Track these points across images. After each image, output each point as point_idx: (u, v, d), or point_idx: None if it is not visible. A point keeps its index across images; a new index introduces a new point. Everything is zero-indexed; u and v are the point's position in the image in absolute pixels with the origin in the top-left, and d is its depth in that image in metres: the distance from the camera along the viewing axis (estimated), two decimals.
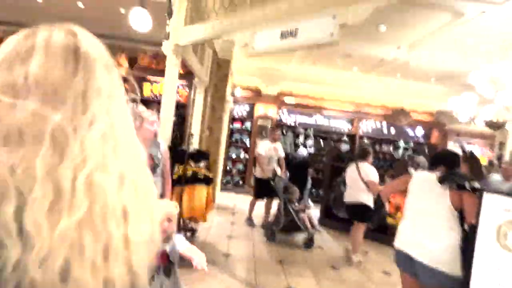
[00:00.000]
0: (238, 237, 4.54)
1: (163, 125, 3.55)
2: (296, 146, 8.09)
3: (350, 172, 4.20)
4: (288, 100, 8.20)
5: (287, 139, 8.04)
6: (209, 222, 4.90)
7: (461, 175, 2.03)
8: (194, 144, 5.53)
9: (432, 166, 2.23)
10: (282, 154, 5.21)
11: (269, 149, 5.01)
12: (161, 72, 4.45)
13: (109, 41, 4.70)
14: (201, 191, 3.26)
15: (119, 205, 0.40)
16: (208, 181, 3.36)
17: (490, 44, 4.76)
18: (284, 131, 8.12)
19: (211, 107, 6.21)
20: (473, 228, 1.49)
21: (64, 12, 5.46)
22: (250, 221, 5.20)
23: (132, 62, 6.11)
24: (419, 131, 8.51)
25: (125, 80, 5.38)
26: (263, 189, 4.95)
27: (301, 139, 8.28)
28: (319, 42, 2.20)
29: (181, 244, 1.66)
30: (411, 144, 8.32)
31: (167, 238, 1.63)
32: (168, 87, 3.57)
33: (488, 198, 1.43)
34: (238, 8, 2.87)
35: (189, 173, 3.26)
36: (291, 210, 4.47)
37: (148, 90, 6.28)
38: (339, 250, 4.56)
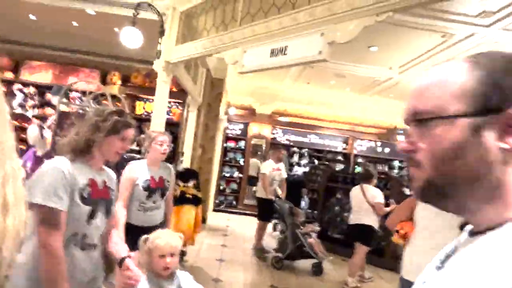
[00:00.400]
0: (229, 261, 4.34)
1: None
2: (291, 165, 8.01)
3: (355, 194, 4.07)
4: (282, 119, 8.20)
5: None
6: (199, 244, 4.71)
7: None
8: (185, 163, 5.44)
9: None
10: (285, 175, 5.04)
11: (273, 169, 4.83)
12: (154, 91, 4.44)
13: (103, 59, 4.70)
14: (189, 211, 3.13)
15: (2, 199, 0.47)
16: (197, 201, 3.24)
17: None
18: None
19: (204, 126, 6.16)
20: None
21: (58, 30, 5.49)
22: (260, 251, 4.76)
23: (125, 80, 6.09)
24: None
25: (114, 97, 5.34)
26: (270, 210, 4.72)
27: (295, 158, 8.22)
28: (307, 60, 2.18)
29: (188, 284, 1.46)
30: (406, 163, 8.28)
31: (171, 275, 1.43)
32: (158, 104, 3.53)
33: None
34: (229, 27, 2.88)
35: (177, 192, 3.14)
36: (299, 235, 4.17)
37: (141, 108, 6.23)
38: (335, 274, 4.38)
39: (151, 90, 5.89)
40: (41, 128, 2.99)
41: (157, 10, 3.47)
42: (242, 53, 2.64)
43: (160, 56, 3.47)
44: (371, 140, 8.42)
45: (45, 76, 5.95)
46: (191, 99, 5.66)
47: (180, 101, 6.18)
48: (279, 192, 4.83)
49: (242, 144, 8.15)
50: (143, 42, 3.70)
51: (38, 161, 3.09)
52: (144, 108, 6.13)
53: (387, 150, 8.45)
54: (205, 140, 6.19)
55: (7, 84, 6.01)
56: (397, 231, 2.12)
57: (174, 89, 6.10)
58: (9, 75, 6.01)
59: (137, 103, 6.19)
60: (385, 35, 4.32)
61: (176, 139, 6.10)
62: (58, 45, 5.99)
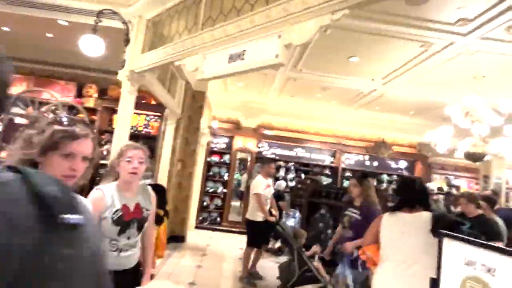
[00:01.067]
0: (202, 285, 4.02)
1: None
2: (277, 179, 7.77)
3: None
4: (267, 132, 8.02)
5: None
6: (172, 265, 4.41)
7: (458, 222, 1.75)
8: (162, 179, 5.19)
9: (407, 205, 1.91)
10: (272, 191, 4.66)
11: (266, 187, 4.40)
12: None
13: (79, 72, 4.54)
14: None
15: None
16: (158, 220, 2.98)
17: (462, 76, 4.73)
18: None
19: (184, 139, 5.95)
20: (435, 284, 1.17)
21: (32, 42, 5.33)
22: (250, 280, 4.26)
23: (102, 93, 5.91)
24: (402, 164, 8.34)
25: (86, 110, 5.13)
26: (263, 235, 4.36)
27: (281, 172, 7.99)
28: (265, 64, 2.00)
29: None
30: (395, 177, 8.09)
31: None
32: (122, 116, 3.32)
33: (449, 245, 1.14)
34: (191, 32, 2.72)
35: None
36: (306, 259, 3.76)
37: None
38: None
39: None
40: None
41: (122, 18, 3.32)
42: (203, 60, 2.47)
43: (125, 65, 3.30)
44: (359, 154, 8.25)
45: (19, 89, 5.75)
46: (169, 112, 5.47)
47: (159, 114, 5.99)
48: (274, 212, 4.47)
49: (226, 158, 7.93)
50: (114, 53, 3.55)
51: None
52: None
53: (375, 163, 8.27)
54: (185, 154, 5.97)
55: None
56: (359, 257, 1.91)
57: (153, 102, 5.94)
58: None
59: (114, 116, 5.98)
60: (364, 45, 4.22)
61: (153, 154, 5.87)
62: (33, 58, 5.83)
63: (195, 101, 6.10)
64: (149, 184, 3.83)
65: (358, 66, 4.98)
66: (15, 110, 2.87)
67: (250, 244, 4.38)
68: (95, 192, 1.82)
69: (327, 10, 1.70)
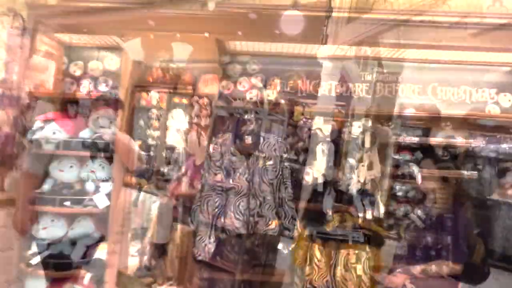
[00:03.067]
0: None
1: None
2: None
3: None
4: None
5: None
6: None
7: None
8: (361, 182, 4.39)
9: None
10: None
11: None
12: (314, 97, 4.45)
13: (263, 66, 4.35)
14: (360, 255, 2.14)
15: None
16: (377, 241, 2.21)
17: None
18: None
19: None
20: None
21: None
22: None
23: (284, 85, 5.80)
24: None
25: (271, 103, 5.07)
26: None
27: None
28: None
29: None
30: None
31: None
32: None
33: None
34: None
35: (348, 225, 2.23)
36: None
37: (299, 114, 5.75)
38: None
39: (311, 96, 5.36)
40: (199, 135, 2.85)
41: None
42: None
43: (326, 41, 2.73)
44: None
45: (215, 87, 6.40)
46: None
47: None
48: None
49: None
50: None
51: (197, 170, 2.93)
52: (303, 114, 5.64)
53: None
54: None
55: (189, 98, 6.85)
56: None
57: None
58: (189, 89, 6.83)
59: (296, 108, 5.76)
60: None
61: None
62: None
63: None
64: (362, 190, 3.12)
65: None
66: None
67: None
68: None
69: None
